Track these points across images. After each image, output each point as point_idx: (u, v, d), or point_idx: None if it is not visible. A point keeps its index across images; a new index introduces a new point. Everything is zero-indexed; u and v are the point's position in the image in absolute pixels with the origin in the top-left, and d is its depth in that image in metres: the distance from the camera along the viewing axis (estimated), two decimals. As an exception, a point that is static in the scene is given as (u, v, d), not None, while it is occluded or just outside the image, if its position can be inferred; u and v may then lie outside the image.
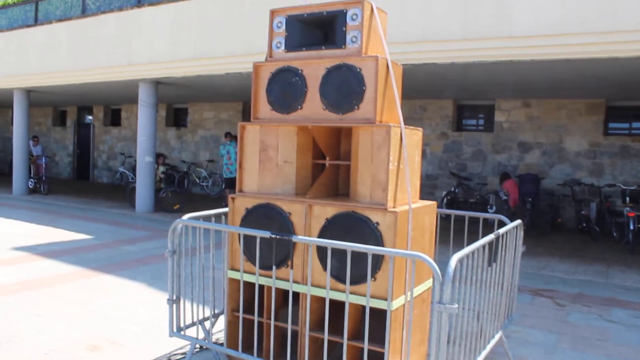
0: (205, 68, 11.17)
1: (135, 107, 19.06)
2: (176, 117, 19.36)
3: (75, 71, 13.86)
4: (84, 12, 14.18)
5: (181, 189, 16.22)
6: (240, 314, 3.68)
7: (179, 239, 3.97)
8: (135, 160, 14.09)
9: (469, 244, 3.55)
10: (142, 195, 12.98)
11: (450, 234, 4.78)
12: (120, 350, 4.46)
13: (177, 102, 18.84)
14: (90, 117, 22.03)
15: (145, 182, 12.99)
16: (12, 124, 17.96)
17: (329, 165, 3.82)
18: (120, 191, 17.20)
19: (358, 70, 3.51)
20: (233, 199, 3.92)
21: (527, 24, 7.77)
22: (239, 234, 3.81)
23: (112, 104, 20.94)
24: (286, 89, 3.76)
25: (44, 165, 16.98)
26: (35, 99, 17.54)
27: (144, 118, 12.96)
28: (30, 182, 16.54)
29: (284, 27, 3.86)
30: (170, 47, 11.75)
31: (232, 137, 13.01)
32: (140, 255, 8.21)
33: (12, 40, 15.70)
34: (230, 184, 12.43)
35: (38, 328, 4.96)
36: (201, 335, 4.25)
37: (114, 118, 21.32)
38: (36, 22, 15.36)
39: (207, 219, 4.30)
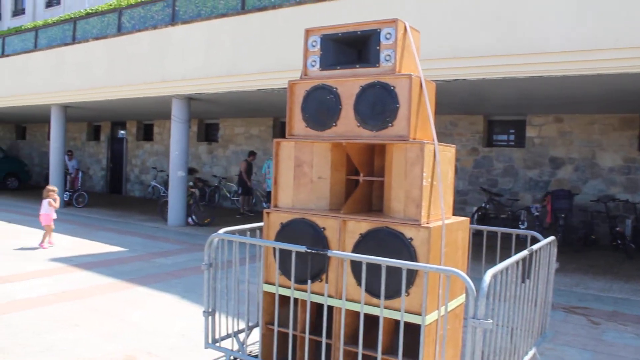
0: (238, 84, 11.36)
1: (167, 122, 19.39)
2: (207, 132, 19.63)
3: (111, 87, 14.20)
4: (120, 31, 14.54)
5: (212, 204, 16.41)
6: (275, 327, 3.74)
7: (215, 253, 4.06)
8: (167, 175, 14.33)
9: (501, 260, 3.56)
10: (175, 209, 13.18)
11: (483, 249, 4.78)
12: (156, 361, 4.55)
13: (209, 118, 19.12)
14: (123, 132, 22.46)
15: (178, 196, 13.19)
16: (48, 139, 18.43)
17: (362, 181, 3.88)
18: (152, 205, 17.47)
19: (392, 88, 3.58)
20: (268, 213, 4.00)
21: (559, 40, 7.75)
22: (274, 248, 3.88)
23: (145, 120, 21.34)
24: (321, 107, 3.84)
25: (79, 179, 17.41)
26: (71, 114, 17.98)
27: (176, 133, 13.20)
28: (65, 195, 16.90)
29: (318, 46, 3.95)
30: (203, 64, 11.98)
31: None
32: (174, 268, 8.34)
33: (50, 58, 16.18)
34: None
35: (75, 338, 5.09)
36: (236, 347, 4.32)
37: (146, 133, 21.71)
38: (74, 40, 15.79)
39: (242, 233, 4.39)
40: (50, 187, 10.12)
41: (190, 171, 13.90)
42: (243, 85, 11.28)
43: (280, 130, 17.30)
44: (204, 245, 4.09)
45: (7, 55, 18.17)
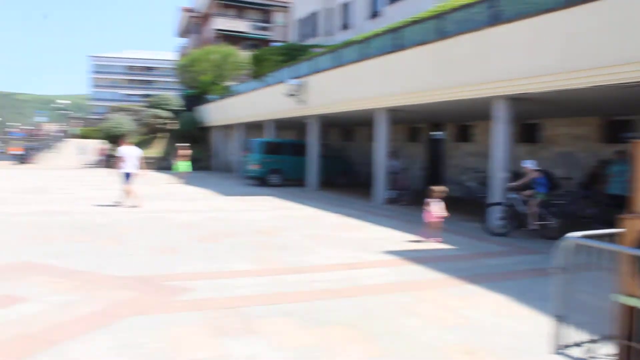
0: (567, 82, 10.77)
1: (485, 124, 19.43)
2: (526, 133, 19.01)
3: (432, 90, 14.82)
4: (441, 35, 15.02)
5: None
6: (634, 344, 3.50)
7: (567, 257, 3.96)
8: (486, 176, 14.33)
9: None
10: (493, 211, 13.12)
11: None
12: (497, 360, 4.65)
13: (528, 118, 18.53)
14: (441, 133, 23.21)
15: (499, 198, 13.10)
16: (372, 140, 19.93)
17: None
18: (470, 205, 17.65)
19: None
20: (626, 219, 3.76)
21: None
22: (635, 258, 3.63)
23: (462, 121, 21.70)
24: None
25: (406, 179, 18.84)
26: (392, 117, 19.19)
27: (498, 134, 13.13)
28: (392, 193, 18.20)
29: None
30: (527, 63, 11.68)
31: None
32: (502, 270, 8.35)
33: (377, 65, 17.61)
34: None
35: (415, 325, 5.53)
36: (584, 356, 4.15)
37: (464, 134, 22.04)
38: (399, 48, 16.88)
39: (596, 238, 4.19)
40: (436, 187, 10.93)
41: (516, 175, 13.58)
42: (574, 83, 10.65)
43: (608, 130, 15.87)
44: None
45: (341, 66, 20.30)
